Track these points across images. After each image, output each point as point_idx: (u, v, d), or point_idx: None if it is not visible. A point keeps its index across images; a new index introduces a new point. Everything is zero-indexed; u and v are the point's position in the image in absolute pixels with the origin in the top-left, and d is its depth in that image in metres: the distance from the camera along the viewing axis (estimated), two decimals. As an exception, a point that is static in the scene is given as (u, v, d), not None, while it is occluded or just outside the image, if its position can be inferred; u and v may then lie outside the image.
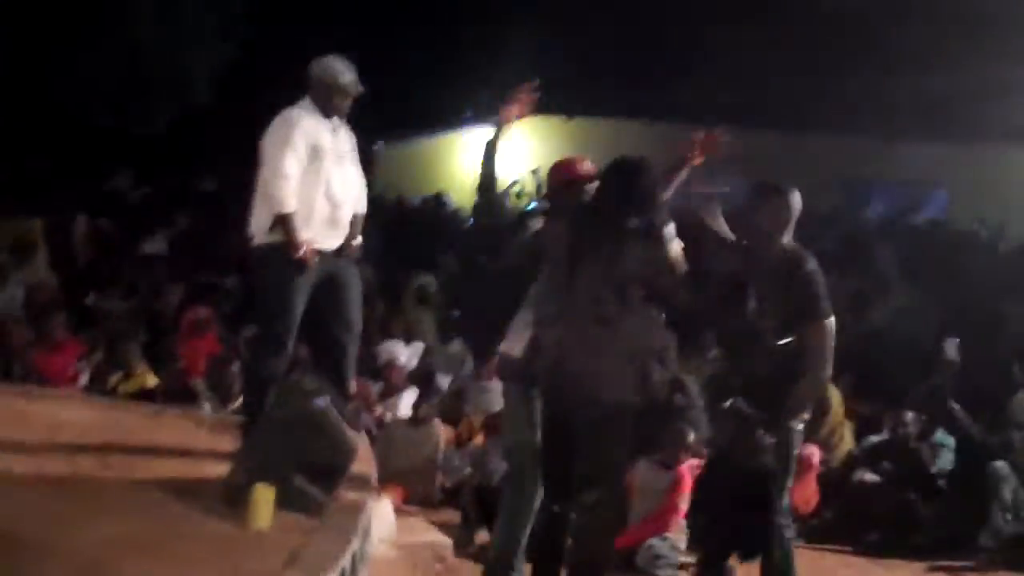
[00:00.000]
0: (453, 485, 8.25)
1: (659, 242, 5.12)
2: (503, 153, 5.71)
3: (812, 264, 5.32)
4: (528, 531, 5.54)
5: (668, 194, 5.53)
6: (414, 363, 10.37)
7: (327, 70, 6.13)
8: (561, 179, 5.70)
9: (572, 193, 5.52)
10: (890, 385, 10.58)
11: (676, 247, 5.18)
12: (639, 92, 19.87)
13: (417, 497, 8.20)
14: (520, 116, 5.53)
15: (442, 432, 8.54)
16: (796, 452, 5.46)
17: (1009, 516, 8.02)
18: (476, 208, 5.86)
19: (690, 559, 6.99)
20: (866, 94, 18.92)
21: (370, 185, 6.58)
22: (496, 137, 5.50)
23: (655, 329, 5.22)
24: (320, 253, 5.98)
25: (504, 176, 21.52)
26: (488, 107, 20.81)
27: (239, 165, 6.82)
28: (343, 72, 6.14)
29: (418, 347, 10.87)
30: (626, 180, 5.22)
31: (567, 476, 5.21)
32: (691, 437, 7.73)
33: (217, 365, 9.11)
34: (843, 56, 18.81)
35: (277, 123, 6.02)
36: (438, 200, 17.62)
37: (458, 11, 20.97)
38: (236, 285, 12.30)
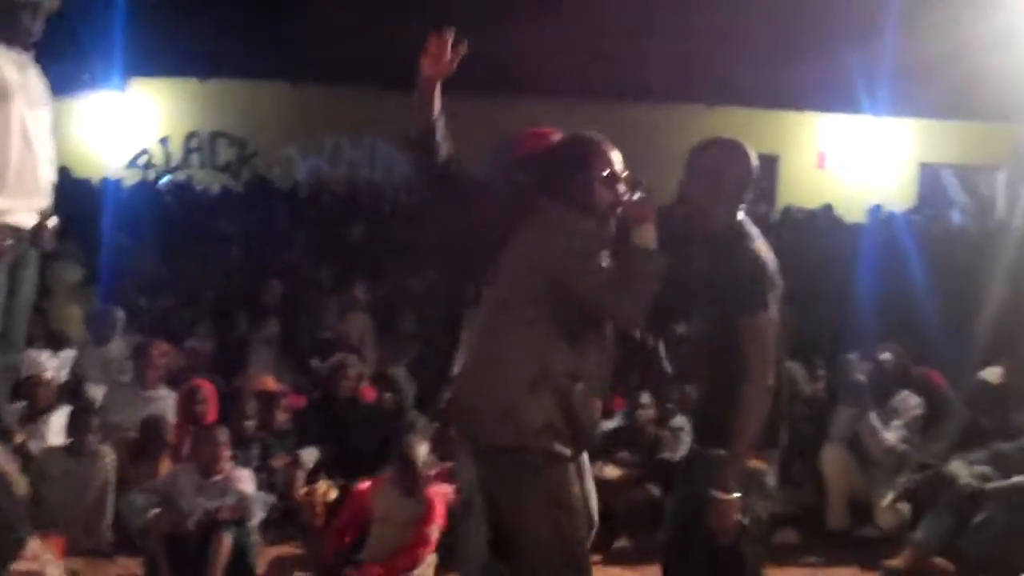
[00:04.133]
0: (136, 528, 6.56)
1: (567, 221, 4.03)
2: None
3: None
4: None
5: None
6: (64, 375, 8.49)
7: None
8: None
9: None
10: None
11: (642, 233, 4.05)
12: (276, 53, 18.31)
13: (81, 546, 6.55)
14: (439, 73, 4.18)
15: (112, 461, 6.85)
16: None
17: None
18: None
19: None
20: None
21: None
22: (420, 99, 4.23)
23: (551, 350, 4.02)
24: (17, 231, 4.43)
25: (133, 147, 19.60)
26: (107, 71, 18.76)
27: None
28: None
29: (68, 355, 8.97)
30: (551, 157, 4.20)
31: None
32: (423, 451, 6.49)
33: None
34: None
35: None
36: (63, 173, 15.40)
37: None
38: None
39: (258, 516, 6.96)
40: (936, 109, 18.63)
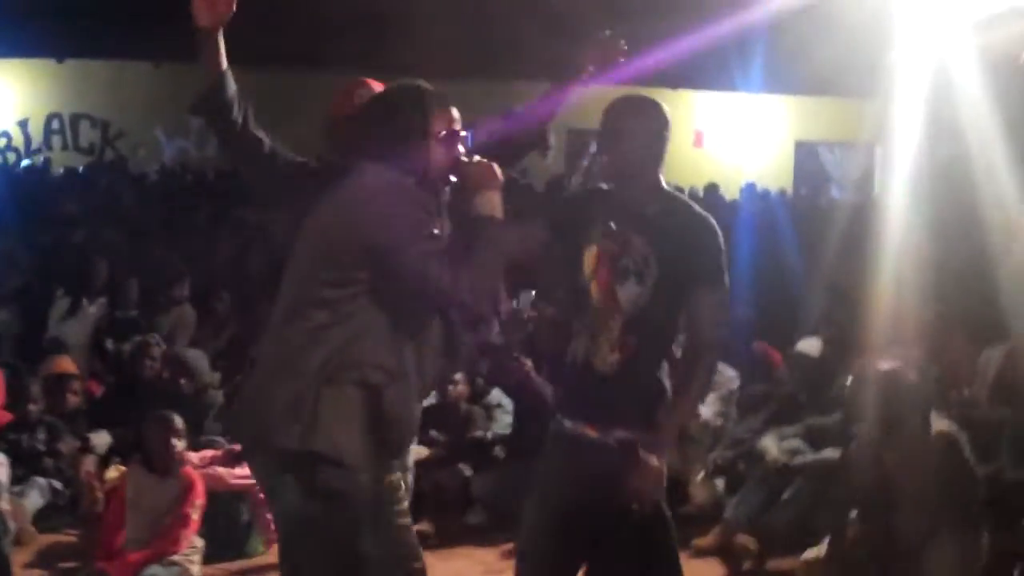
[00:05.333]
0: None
1: (390, 185, 3.39)
2: None
3: None
4: None
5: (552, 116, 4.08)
6: None
7: None
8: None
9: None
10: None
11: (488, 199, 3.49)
12: (138, 32, 17.73)
13: None
14: (216, 21, 3.55)
15: None
16: None
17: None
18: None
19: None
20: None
21: None
22: (202, 53, 3.58)
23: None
24: None
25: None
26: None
27: None
28: None
29: None
30: (372, 111, 3.61)
31: None
32: (179, 425, 6.08)
33: None
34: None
35: None
36: None
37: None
38: None
39: (35, 502, 6.69)
40: (809, 86, 18.59)
